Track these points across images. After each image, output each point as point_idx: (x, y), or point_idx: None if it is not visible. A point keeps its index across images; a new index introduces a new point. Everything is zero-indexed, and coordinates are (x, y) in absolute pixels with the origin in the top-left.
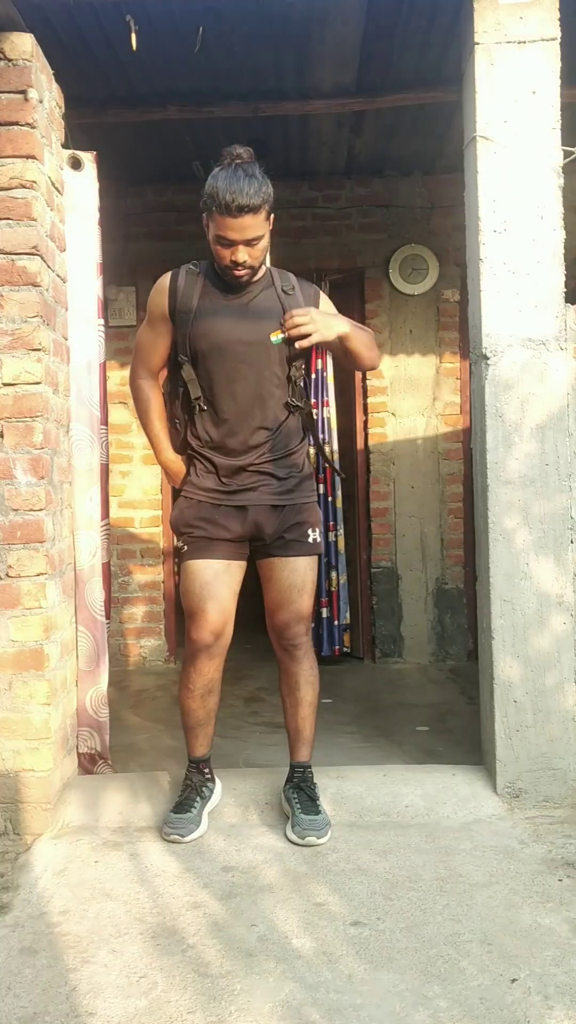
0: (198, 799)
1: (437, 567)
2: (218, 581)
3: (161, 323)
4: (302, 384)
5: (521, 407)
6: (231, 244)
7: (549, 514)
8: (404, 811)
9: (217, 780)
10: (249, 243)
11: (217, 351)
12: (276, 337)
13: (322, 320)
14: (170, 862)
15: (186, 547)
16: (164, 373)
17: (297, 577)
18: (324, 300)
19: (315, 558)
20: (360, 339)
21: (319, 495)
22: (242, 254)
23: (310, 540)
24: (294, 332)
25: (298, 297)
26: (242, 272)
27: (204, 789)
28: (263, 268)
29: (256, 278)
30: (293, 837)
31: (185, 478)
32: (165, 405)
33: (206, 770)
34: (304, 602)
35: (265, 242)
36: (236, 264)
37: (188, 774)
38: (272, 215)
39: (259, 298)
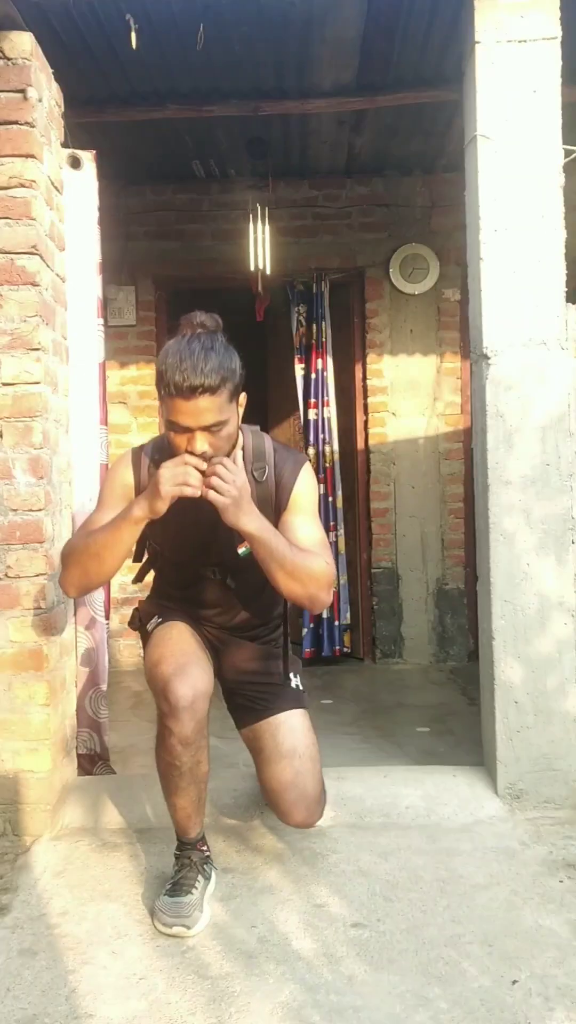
0: (199, 879)
1: (438, 567)
2: (195, 645)
3: (122, 504)
4: None
5: (522, 407)
6: (186, 431)
7: (550, 514)
8: (405, 812)
9: (214, 864)
10: (209, 430)
11: (181, 566)
12: (244, 548)
13: (237, 503)
14: (170, 863)
15: (152, 624)
16: None
17: (295, 738)
18: (301, 480)
19: (307, 714)
20: (271, 551)
21: (318, 495)
22: (200, 443)
23: (292, 686)
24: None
25: (268, 485)
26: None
27: (205, 867)
28: (235, 450)
29: None
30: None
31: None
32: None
33: (204, 847)
34: (312, 779)
35: (230, 428)
36: (193, 456)
37: (182, 851)
38: (241, 395)
39: None
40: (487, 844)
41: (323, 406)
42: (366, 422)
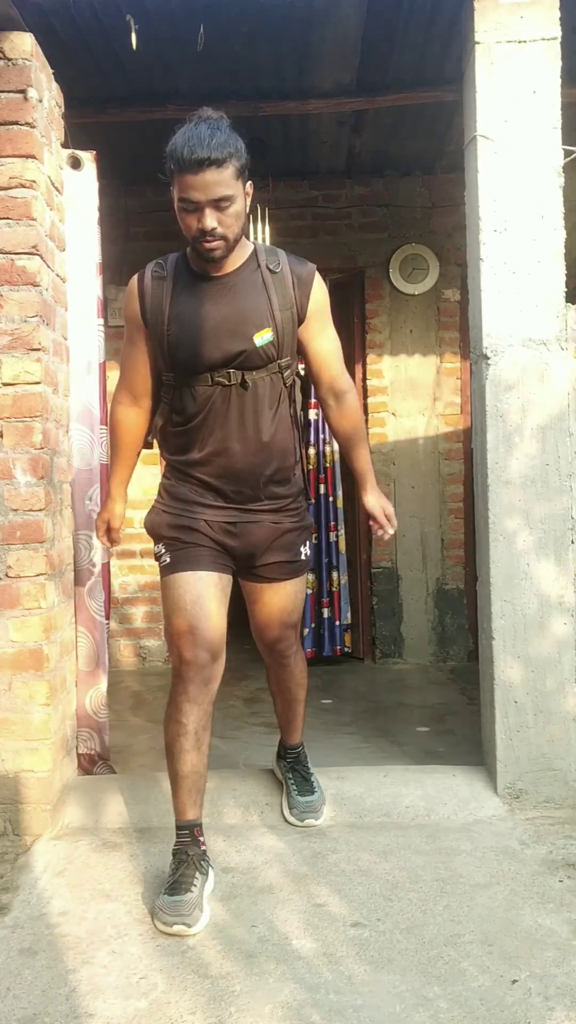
0: (197, 876)
1: (437, 567)
2: (209, 594)
3: (137, 332)
4: (292, 385)
5: (522, 407)
6: (196, 207)
7: (550, 514)
8: (404, 812)
9: (211, 861)
10: (217, 205)
11: (198, 361)
12: (261, 338)
13: (389, 511)
14: (170, 864)
15: (168, 557)
16: (147, 405)
17: (288, 601)
18: (317, 284)
19: (303, 577)
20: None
21: (319, 495)
22: (210, 219)
23: (302, 557)
24: (386, 537)
25: (284, 276)
26: (213, 243)
27: (203, 863)
28: (244, 245)
29: (235, 265)
30: (292, 819)
31: (162, 488)
32: (151, 430)
33: (202, 838)
34: (294, 618)
35: (238, 207)
36: (204, 233)
37: (180, 846)
38: (246, 178)
39: (240, 285)
40: (487, 844)
41: None
42: (366, 422)
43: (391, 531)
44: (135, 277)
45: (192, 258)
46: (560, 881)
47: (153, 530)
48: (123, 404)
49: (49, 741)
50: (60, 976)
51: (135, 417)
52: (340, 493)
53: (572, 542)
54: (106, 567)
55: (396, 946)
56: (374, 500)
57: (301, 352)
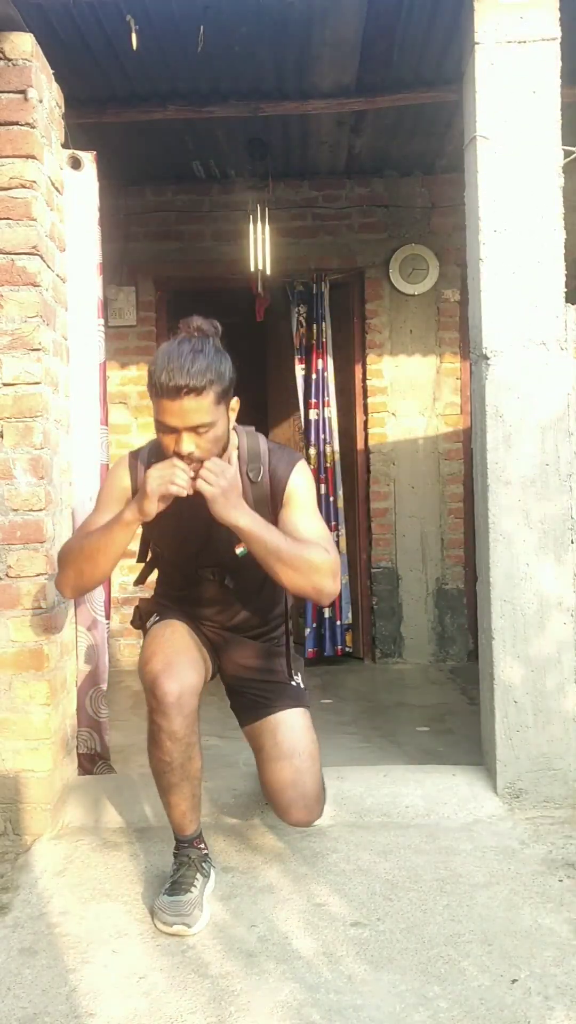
0: (198, 877)
1: (437, 567)
2: (192, 642)
3: (116, 506)
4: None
5: (521, 407)
6: (172, 431)
7: (549, 515)
8: (404, 811)
9: (213, 863)
10: (195, 430)
11: (181, 567)
12: (241, 549)
13: (226, 495)
14: (170, 863)
15: (157, 616)
16: None
17: (297, 742)
18: (293, 482)
19: (308, 712)
20: (265, 544)
21: (319, 495)
22: (187, 444)
23: (294, 683)
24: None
25: (263, 485)
26: (191, 466)
27: (204, 865)
28: (229, 445)
29: None
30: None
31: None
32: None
33: (202, 845)
34: (312, 778)
35: (218, 431)
36: (180, 456)
37: (181, 851)
38: (230, 398)
39: None
40: (486, 843)
41: (323, 406)
42: (366, 422)
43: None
44: (128, 460)
45: None
46: (560, 880)
47: (141, 619)
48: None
49: (49, 741)
50: (60, 975)
51: None
52: (340, 493)
53: (572, 542)
54: None
55: (396, 945)
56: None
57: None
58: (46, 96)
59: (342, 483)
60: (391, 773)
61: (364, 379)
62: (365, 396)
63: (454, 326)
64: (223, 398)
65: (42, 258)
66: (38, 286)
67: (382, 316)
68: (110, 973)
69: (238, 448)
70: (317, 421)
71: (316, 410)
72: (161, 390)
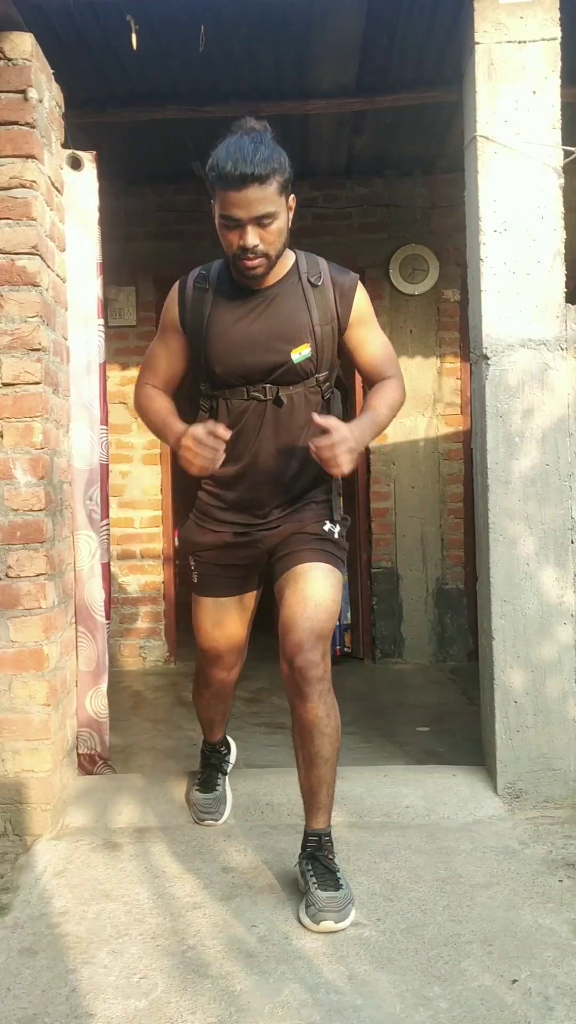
0: (219, 776)
1: (437, 567)
2: (230, 618)
3: (173, 336)
4: (330, 398)
5: (521, 408)
6: (237, 224)
7: (549, 515)
8: (405, 812)
9: (231, 744)
10: (259, 222)
11: (234, 375)
12: (299, 355)
13: (346, 447)
14: (170, 863)
15: (196, 577)
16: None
17: (315, 591)
18: (359, 295)
19: (335, 569)
20: (385, 426)
21: None
22: (251, 236)
23: (325, 529)
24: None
25: (326, 288)
26: (255, 262)
27: (224, 765)
28: (286, 255)
29: (276, 278)
30: (306, 920)
31: (198, 499)
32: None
33: (223, 748)
34: (321, 619)
35: (280, 223)
36: (246, 250)
37: (206, 754)
38: (290, 192)
39: (281, 299)
40: (487, 843)
41: None
42: None
43: (330, 458)
44: (177, 284)
45: (233, 270)
46: (560, 881)
47: (185, 542)
48: (151, 385)
49: (49, 741)
50: (60, 976)
51: (162, 392)
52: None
53: (571, 542)
54: (106, 567)
55: (396, 946)
56: (343, 431)
57: (350, 359)
58: (46, 96)
59: (342, 483)
60: (391, 773)
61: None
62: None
63: (454, 326)
64: (285, 189)
65: (42, 258)
66: (38, 286)
67: (382, 316)
68: (110, 973)
69: (295, 259)
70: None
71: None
72: (227, 180)
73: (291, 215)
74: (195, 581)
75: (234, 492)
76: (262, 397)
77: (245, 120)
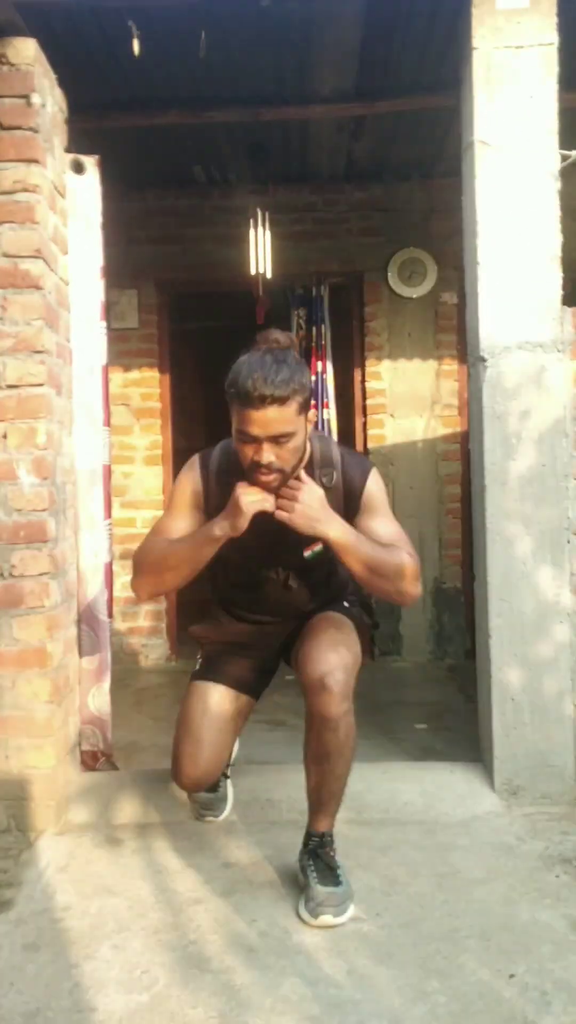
0: (222, 777)
1: (436, 567)
2: (220, 720)
3: (194, 513)
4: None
5: (519, 410)
6: (253, 440)
7: (546, 515)
8: (403, 808)
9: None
10: (276, 441)
11: (245, 569)
12: (311, 553)
13: (309, 513)
14: (172, 858)
15: (200, 662)
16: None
17: (332, 625)
18: (369, 486)
19: (349, 621)
20: (358, 554)
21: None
22: (267, 454)
23: (344, 604)
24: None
25: (337, 490)
26: (269, 477)
27: (224, 776)
28: (303, 461)
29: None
30: (305, 915)
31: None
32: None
33: (226, 770)
34: (342, 650)
35: (297, 441)
36: (259, 466)
37: None
38: (308, 409)
39: None
40: (484, 839)
41: (323, 408)
42: (365, 424)
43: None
44: (200, 463)
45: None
46: (557, 876)
47: (196, 632)
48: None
49: (53, 738)
50: (63, 971)
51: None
52: None
53: (568, 542)
54: (108, 566)
55: (395, 941)
56: (316, 497)
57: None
58: (49, 101)
59: None
60: (390, 770)
61: (363, 381)
62: (364, 398)
63: (452, 329)
64: (304, 409)
65: (45, 261)
66: (41, 289)
67: (381, 319)
68: (112, 968)
69: (311, 453)
70: (316, 422)
71: (315, 411)
72: (245, 399)
73: (309, 429)
74: (198, 666)
75: (254, 617)
76: (275, 577)
77: (270, 332)
